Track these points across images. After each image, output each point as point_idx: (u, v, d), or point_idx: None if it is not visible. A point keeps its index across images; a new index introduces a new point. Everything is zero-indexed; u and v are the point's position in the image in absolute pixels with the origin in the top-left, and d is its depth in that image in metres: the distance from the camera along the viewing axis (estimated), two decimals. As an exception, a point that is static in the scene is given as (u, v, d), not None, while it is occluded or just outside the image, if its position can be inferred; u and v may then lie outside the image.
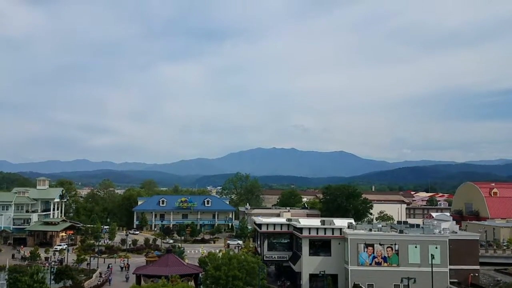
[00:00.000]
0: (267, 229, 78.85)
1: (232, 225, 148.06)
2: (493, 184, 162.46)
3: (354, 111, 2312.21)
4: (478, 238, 74.89)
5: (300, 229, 71.97)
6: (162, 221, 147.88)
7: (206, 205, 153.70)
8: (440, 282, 67.16)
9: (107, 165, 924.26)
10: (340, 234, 71.18)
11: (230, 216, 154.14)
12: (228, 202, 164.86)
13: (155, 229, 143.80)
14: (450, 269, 69.11)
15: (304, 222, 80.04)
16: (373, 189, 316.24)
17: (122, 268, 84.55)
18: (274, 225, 79.42)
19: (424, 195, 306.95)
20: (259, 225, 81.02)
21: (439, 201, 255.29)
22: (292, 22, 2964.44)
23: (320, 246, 71.58)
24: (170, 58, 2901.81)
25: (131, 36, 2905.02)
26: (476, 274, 71.64)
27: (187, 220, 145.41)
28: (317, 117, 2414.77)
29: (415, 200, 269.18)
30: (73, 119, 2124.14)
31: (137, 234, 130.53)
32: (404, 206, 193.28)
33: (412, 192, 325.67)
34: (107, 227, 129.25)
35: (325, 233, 71.44)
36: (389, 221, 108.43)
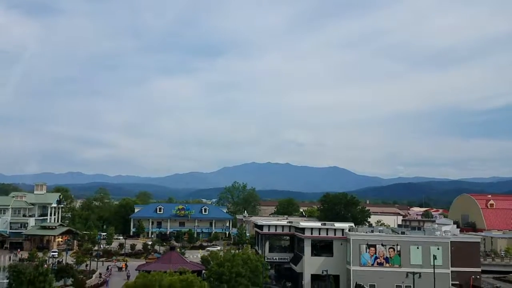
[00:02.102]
0: (269, 230, 78.90)
1: (229, 233, 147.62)
2: (490, 196, 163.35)
3: (348, 127, 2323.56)
4: (479, 241, 75.34)
5: (303, 230, 72.15)
6: (159, 229, 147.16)
7: (203, 213, 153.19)
8: (442, 284, 67.26)
9: (100, 177, 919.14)
10: (342, 235, 71.44)
11: (228, 224, 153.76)
12: (225, 211, 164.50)
13: (152, 236, 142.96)
14: (451, 271, 69.35)
15: (305, 224, 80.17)
16: (368, 203, 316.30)
17: (119, 268, 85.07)
18: (276, 226, 79.56)
19: (418, 209, 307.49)
20: (260, 227, 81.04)
21: (434, 215, 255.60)
22: (286, 39, 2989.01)
23: (322, 247, 71.74)
24: (165, 72, 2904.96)
25: (127, 50, 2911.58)
26: (478, 277, 71.88)
27: (184, 228, 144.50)
28: (311, 132, 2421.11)
29: (410, 214, 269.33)
30: (67, 132, 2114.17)
31: (120, 238, 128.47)
32: (400, 217, 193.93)
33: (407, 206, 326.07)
34: (104, 233, 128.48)
35: (327, 234, 71.70)
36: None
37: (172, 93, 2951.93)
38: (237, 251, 72.72)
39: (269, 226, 79.47)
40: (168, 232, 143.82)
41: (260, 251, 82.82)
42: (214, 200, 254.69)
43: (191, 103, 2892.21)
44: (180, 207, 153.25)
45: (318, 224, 79.32)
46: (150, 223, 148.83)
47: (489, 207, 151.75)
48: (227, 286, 60.47)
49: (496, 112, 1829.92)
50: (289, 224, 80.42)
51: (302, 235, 71.80)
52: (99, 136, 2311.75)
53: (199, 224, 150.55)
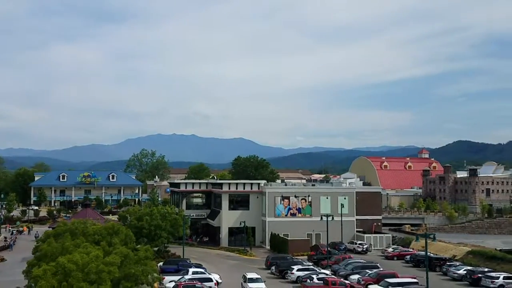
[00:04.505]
0: (186, 187, 79.36)
1: (139, 199, 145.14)
2: (384, 158, 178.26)
3: (253, 99, 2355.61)
4: (380, 191, 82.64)
5: (220, 185, 73.75)
6: (63, 197, 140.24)
7: (111, 180, 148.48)
8: (348, 230, 73.45)
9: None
10: (258, 189, 74.28)
11: (137, 191, 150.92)
12: (134, 178, 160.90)
13: (55, 204, 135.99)
14: (356, 219, 75.80)
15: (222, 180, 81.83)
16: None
17: (20, 232, 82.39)
18: (193, 184, 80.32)
19: (318, 175, 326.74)
20: (177, 185, 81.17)
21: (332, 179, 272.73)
22: (194, 8, 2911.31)
23: (239, 201, 74.24)
24: (65, 38, 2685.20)
25: (22, 13, 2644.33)
26: (379, 224, 79.26)
27: (91, 195, 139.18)
28: (217, 104, 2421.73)
29: (311, 179, 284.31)
30: None
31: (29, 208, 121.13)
32: (304, 181, 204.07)
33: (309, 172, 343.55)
34: (3, 202, 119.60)
35: (244, 188, 74.10)
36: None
37: (72, 60, 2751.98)
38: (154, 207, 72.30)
39: (186, 183, 79.98)
40: (73, 200, 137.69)
41: (177, 210, 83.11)
42: (121, 171, 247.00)
43: (93, 71, 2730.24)
44: (86, 174, 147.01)
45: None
46: (53, 191, 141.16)
47: (383, 168, 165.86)
48: (147, 239, 60.50)
49: (387, 86, 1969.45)
50: (206, 181, 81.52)
51: (220, 190, 73.40)
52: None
53: (107, 191, 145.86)
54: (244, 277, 45.98)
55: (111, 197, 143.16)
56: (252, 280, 44.69)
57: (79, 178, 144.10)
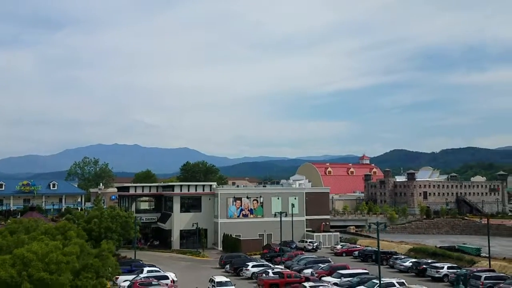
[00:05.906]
0: (136, 191, 78.03)
1: (82, 208, 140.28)
2: (328, 164, 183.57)
3: (197, 108, 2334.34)
4: (329, 191, 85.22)
5: (172, 187, 73.20)
6: (1, 206, 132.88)
7: (51, 188, 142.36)
8: (299, 230, 75.27)
9: None
10: (211, 190, 74.46)
11: (80, 199, 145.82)
12: (76, 186, 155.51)
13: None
14: (306, 219, 77.76)
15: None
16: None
17: None
18: (143, 187, 79.10)
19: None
20: (126, 188, 79.68)
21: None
22: (138, 15, 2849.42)
23: (191, 204, 73.98)
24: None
25: None
26: (328, 223, 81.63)
27: (30, 205, 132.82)
28: (161, 113, 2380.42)
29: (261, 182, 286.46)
30: None
31: None
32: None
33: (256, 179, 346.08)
34: None
35: (196, 190, 73.98)
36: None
37: (4, 67, 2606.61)
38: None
39: (135, 187, 78.63)
40: (11, 210, 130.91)
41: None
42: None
43: (28, 79, 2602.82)
44: (25, 182, 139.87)
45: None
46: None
47: (327, 174, 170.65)
48: (96, 242, 58.91)
49: (326, 96, 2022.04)
50: (156, 184, 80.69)
51: (171, 192, 72.86)
52: None
53: (47, 200, 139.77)
54: (212, 280, 42.67)
55: (53, 206, 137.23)
56: (221, 284, 41.40)
57: (18, 187, 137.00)
